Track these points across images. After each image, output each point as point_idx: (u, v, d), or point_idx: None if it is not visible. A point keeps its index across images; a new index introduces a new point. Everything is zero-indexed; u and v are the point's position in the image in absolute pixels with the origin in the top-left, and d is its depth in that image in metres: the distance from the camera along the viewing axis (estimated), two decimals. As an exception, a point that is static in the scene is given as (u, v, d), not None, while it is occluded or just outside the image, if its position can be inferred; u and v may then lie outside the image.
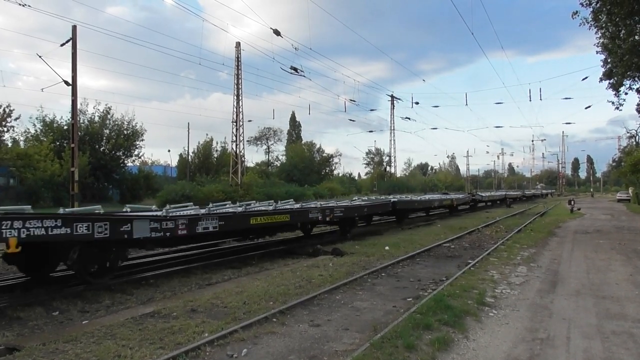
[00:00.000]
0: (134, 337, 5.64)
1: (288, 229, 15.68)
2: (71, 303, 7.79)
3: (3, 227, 6.71)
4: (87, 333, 5.86)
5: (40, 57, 22.24)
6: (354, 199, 23.38)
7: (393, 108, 66.11)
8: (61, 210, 8.59)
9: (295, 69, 26.40)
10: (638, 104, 21.85)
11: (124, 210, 10.68)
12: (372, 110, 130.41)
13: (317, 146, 75.55)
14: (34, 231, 7.02)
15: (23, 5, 18.83)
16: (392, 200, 21.74)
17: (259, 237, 14.35)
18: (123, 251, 9.30)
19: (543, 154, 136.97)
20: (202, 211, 10.95)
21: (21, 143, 38.14)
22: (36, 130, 38.71)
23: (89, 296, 8.21)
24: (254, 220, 11.80)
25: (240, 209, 12.25)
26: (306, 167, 67.67)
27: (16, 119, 35.48)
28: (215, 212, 11.00)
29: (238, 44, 38.96)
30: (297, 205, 15.32)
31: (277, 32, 22.14)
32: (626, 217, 29.53)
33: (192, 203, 12.45)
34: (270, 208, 13.49)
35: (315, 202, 17.87)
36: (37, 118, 38.73)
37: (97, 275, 8.74)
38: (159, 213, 9.95)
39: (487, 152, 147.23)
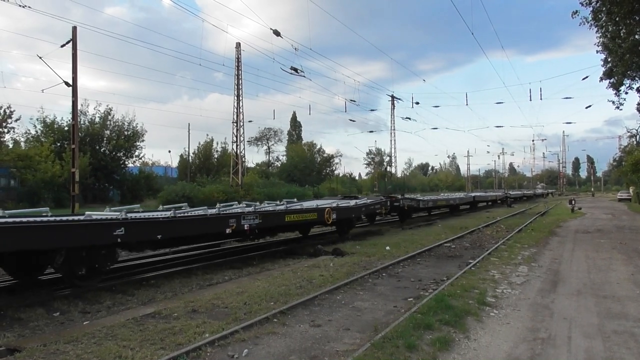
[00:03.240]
0: (134, 338, 5.64)
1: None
2: (72, 304, 7.79)
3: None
4: (88, 334, 5.86)
5: (40, 58, 22.20)
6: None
7: (393, 108, 65.91)
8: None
9: (295, 69, 26.35)
10: (638, 103, 21.81)
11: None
12: (372, 110, 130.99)
13: (318, 146, 75.61)
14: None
15: (23, 7, 18.78)
16: (473, 195, 37.76)
17: (453, 210, 31.07)
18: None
19: (544, 153, 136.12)
20: (427, 199, 24.51)
21: (22, 144, 38.16)
22: (37, 131, 38.73)
23: (89, 297, 8.22)
24: (450, 202, 28.79)
25: (442, 198, 28.26)
26: (306, 167, 67.66)
27: (17, 120, 35.55)
28: (435, 198, 25.95)
29: (238, 45, 38.90)
30: (454, 197, 31.95)
31: (276, 33, 22.10)
32: (627, 217, 29.50)
33: (431, 193, 33.40)
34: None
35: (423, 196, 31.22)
36: (37, 119, 38.76)
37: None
38: (419, 198, 24.38)
39: (488, 152, 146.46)
